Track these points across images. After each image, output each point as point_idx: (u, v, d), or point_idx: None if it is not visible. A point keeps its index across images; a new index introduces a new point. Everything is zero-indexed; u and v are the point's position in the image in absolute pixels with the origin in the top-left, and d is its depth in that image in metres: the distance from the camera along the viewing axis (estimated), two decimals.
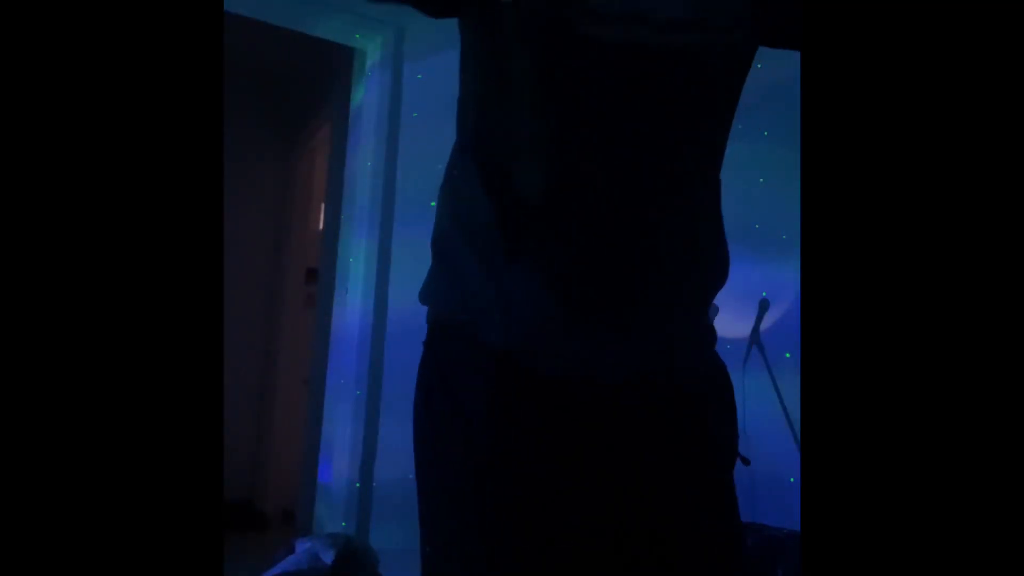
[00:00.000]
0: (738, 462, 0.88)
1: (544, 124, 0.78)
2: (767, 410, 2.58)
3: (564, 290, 0.78)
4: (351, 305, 3.09)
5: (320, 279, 3.42)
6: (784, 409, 2.57)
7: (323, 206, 3.72)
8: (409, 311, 2.94)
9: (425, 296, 0.88)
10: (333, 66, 3.48)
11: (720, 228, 0.87)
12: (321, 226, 3.80)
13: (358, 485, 2.94)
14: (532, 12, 0.74)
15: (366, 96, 3.07)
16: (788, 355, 2.68)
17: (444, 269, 0.86)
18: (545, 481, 0.76)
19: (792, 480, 2.52)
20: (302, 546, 2.39)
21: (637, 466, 0.81)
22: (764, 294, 2.79)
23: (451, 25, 0.89)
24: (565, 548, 0.76)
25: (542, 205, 0.78)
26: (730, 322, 2.73)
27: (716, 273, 0.88)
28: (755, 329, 2.73)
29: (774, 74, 2.24)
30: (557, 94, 0.77)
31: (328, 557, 2.34)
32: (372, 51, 3.04)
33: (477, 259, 0.81)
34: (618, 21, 0.74)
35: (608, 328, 0.79)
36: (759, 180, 2.92)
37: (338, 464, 3.01)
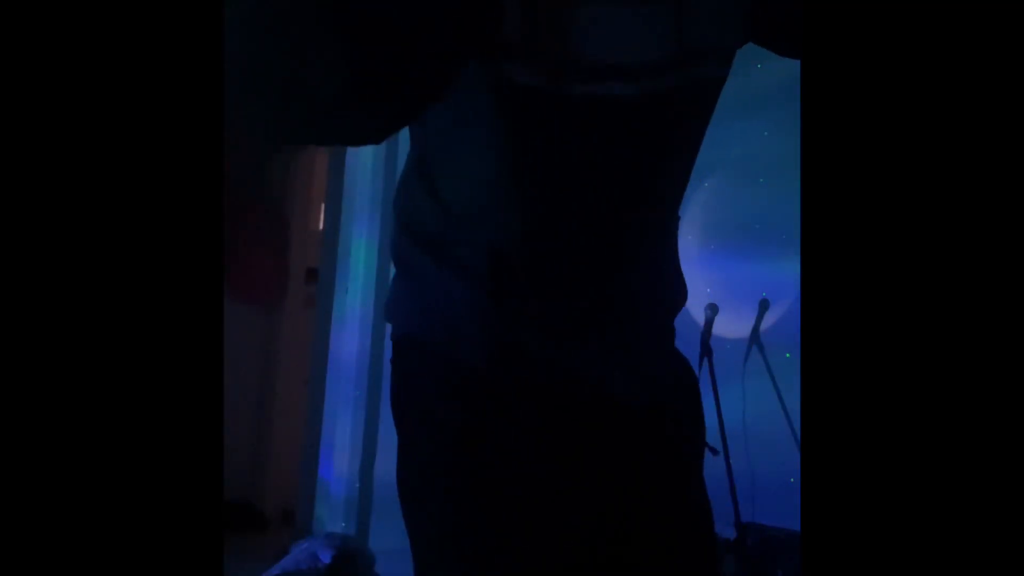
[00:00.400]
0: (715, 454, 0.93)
1: (514, 176, 0.78)
2: (767, 410, 2.58)
3: (541, 314, 0.81)
4: (351, 305, 3.09)
5: (320, 279, 3.42)
6: (784, 409, 2.57)
7: (323, 206, 3.72)
8: None
9: (391, 312, 0.88)
10: None
11: (677, 257, 0.92)
12: (321, 226, 3.80)
13: (358, 485, 2.94)
14: (505, 75, 0.71)
15: None
16: (788, 355, 2.68)
17: (412, 285, 0.86)
18: (524, 487, 0.78)
19: (792, 480, 2.52)
20: (298, 547, 2.39)
21: (611, 464, 0.83)
22: (764, 294, 2.78)
23: None
24: (542, 550, 0.77)
25: (518, 246, 0.79)
26: (730, 322, 2.73)
27: (676, 298, 0.92)
28: (755, 329, 2.73)
29: (774, 74, 2.24)
30: (527, 148, 0.76)
31: (326, 557, 2.34)
32: None
33: (449, 281, 0.81)
34: (590, 75, 0.71)
35: (584, 345, 0.82)
36: (759, 180, 2.92)
37: (338, 464, 3.02)
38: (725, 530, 2.24)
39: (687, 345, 0.96)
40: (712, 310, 2.60)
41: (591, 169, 0.78)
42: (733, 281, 2.82)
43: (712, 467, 0.93)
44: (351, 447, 2.97)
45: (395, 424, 0.84)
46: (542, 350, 0.81)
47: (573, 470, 0.81)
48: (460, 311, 0.81)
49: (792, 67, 0.75)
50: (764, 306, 2.75)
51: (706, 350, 2.52)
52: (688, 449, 0.90)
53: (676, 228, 0.91)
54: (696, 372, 0.96)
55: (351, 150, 3.21)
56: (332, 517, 2.98)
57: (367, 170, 3.09)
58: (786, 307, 2.77)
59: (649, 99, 0.74)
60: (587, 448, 0.82)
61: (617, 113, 0.74)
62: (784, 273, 2.74)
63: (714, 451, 2.30)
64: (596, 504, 0.82)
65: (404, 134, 0.86)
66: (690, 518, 0.86)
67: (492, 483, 0.77)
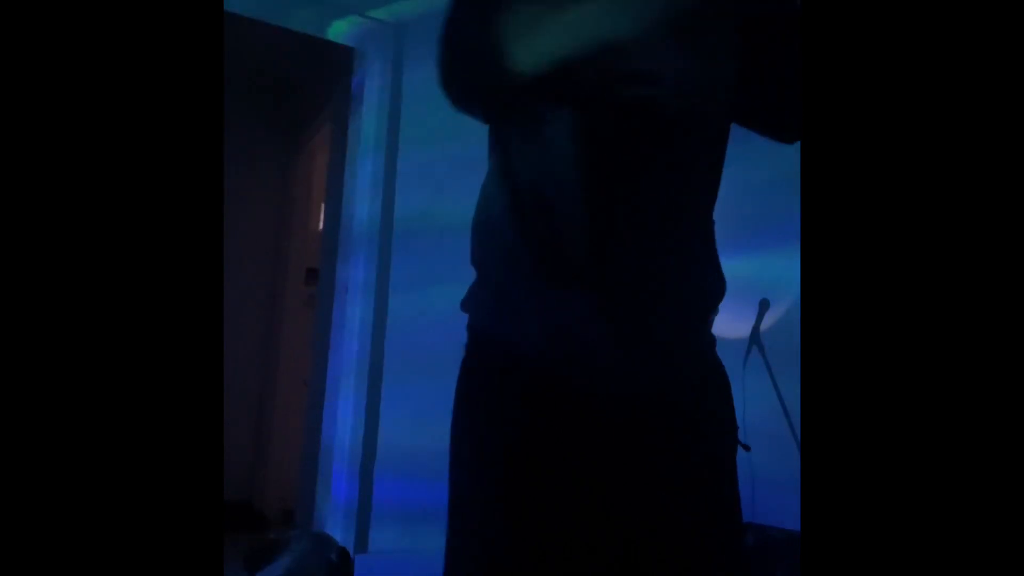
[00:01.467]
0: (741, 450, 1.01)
1: (580, 176, 0.87)
2: (767, 410, 2.58)
3: (597, 317, 0.87)
4: (351, 305, 3.09)
5: (320, 279, 3.41)
6: (784, 409, 2.57)
7: (323, 206, 3.72)
8: (409, 311, 2.94)
9: (467, 305, 0.98)
10: (333, 66, 3.48)
11: (716, 256, 1.00)
12: (321, 226, 3.80)
13: (358, 486, 2.94)
14: (572, 81, 0.84)
15: (366, 96, 3.07)
16: (789, 355, 2.68)
17: (486, 284, 0.96)
18: (569, 486, 0.85)
19: (792, 480, 2.52)
20: (293, 547, 2.38)
21: (653, 465, 0.89)
22: (764, 294, 2.78)
23: None
24: (577, 542, 0.83)
25: (581, 247, 0.87)
26: (730, 322, 2.73)
27: (716, 293, 1.00)
28: (755, 329, 2.73)
29: None
30: (590, 149, 0.86)
31: (333, 555, 2.34)
32: (372, 51, 3.04)
33: (519, 283, 0.90)
34: (635, 82, 0.83)
35: (633, 346, 0.89)
36: (759, 180, 2.92)
37: (337, 464, 3.02)
38: None
39: None
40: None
41: (633, 169, 0.87)
42: (733, 281, 2.82)
43: None
44: (351, 447, 2.97)
45: (458, 409, 0.92)
46: (595, 347, 0.88)
47: (616, 466, 0.88)
48: (520, 308, 0.90)
49: None
50: (764, 306, 2.75)
51: None
52: (723, 447, 0.97)
53: (712, 230, 1.00)
54: None
55: (351, 150, 3.21)
56: (332, 517, 2.98)
57: (367, 170, 3.09)
58: (786, 307, 2.77)
59: (678, 114, 0.86)
60: (630, 444, 0.89)
61: (653, 123, 0.86)
62: (784, 273, 2.74)
63: (746, 448, 2.31)
64: (635, 498, 0.88)
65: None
66: (724, 514, 0.93)
67: (541, 476, 0.84)
